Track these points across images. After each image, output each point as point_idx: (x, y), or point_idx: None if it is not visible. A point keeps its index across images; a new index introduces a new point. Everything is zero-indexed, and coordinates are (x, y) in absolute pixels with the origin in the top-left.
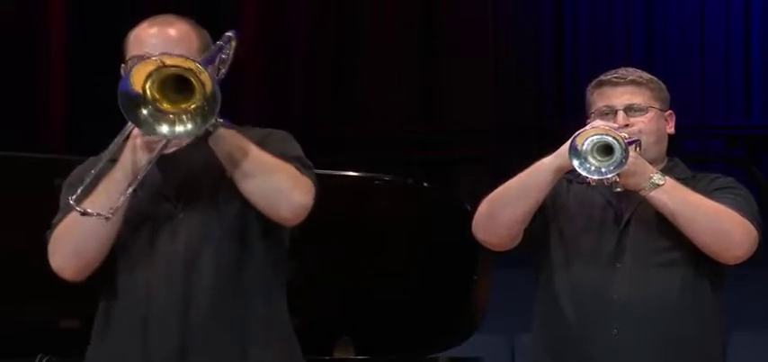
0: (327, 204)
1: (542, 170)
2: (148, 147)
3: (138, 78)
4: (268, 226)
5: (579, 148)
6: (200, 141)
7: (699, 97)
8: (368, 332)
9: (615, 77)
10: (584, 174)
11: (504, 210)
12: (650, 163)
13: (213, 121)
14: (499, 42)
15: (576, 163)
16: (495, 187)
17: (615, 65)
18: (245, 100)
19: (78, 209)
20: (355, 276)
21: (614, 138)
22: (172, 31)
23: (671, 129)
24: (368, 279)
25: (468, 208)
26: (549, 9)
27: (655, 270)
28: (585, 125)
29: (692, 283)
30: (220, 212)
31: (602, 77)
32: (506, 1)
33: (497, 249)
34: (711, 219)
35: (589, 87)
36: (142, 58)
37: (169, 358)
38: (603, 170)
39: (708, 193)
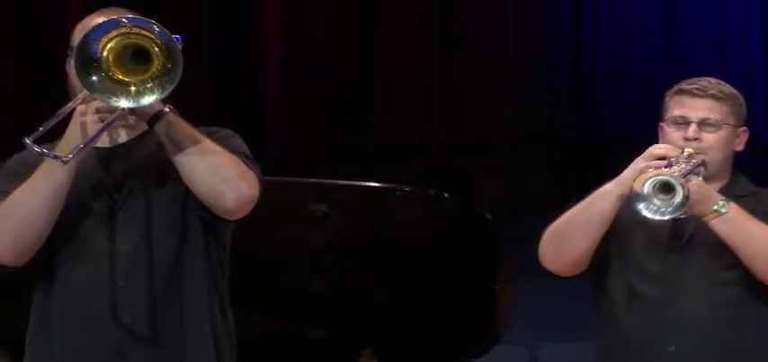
0: (348, 215)
1: (604, 200)
2: (97, 113)
3: (102, 43)
4: (210, 223)
5: (641, 191)
6: (143, 136)
7: None
8: (390, 344)
9: (696, 89)
10: (650, 216)
11: (570, 242)
12: (713, 178)
13: (176, 82)
14: (518, 51)
15: (641, 206)
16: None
17: (633, 76)
18: (265, 111)
19: (36, 149)
20: (377, 287)
21: (675, 180)
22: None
23: (740, 146)
24: (389, 290)
25: (489, 217)
26: (569, 20)
27: (714, 288)
28: (659, 128)
29: (751, 300)
30: (161, 209)
31: (684, 86)
32: (526, 11)
33: (566, 275)
34: None
35: (669, 92)
36: (104, 24)
37: (105, 358)
38: (665, 211)
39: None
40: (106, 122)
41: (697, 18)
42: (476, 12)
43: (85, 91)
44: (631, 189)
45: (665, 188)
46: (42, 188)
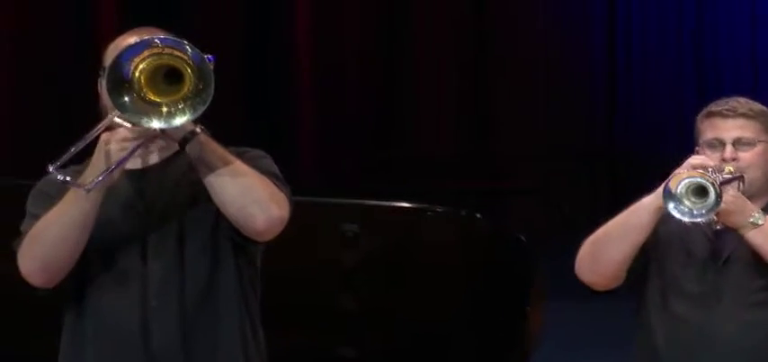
0: (380, 236)
1: (642, 211)
2: (121, 141)
3: (134, 63)
4: (240, 244)
5: (674, 191)
6: (175, 157)
7: None
8: None
9: (725, 110)
10: (678, 216)
11: (606, 251)
12: (754, 195)
13: (208, 103)
14: (551, 70)
15: (670, 205)
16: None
17: (666, 96)
18: (297, 128)
19: (60, 177)
20: (408, 306)
21: (708, 181)
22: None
23: None
24: (420, 310)
25: (522, 238)
26: (601, 39)
27: (751, 309)
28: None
29: None
30: (192, 230)
31: (713, 108)
32: (558, 30)
33: (602, 289)
34: None
35: (699, 116)
36: (136, 45)
37: None
38: (695, 213)
39: None
40: (129, 150)
41: (729, 37)
42: (510, 34)
43: (111, 115)
44: (664, 187)
45: (698, 192)
46: (70, 214)
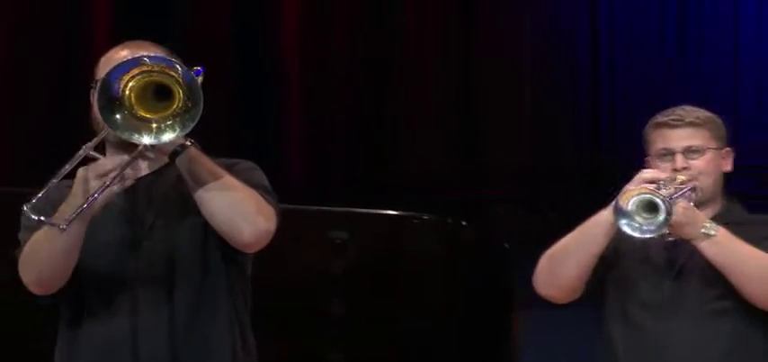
0: (368, 243)
1: (598, 225)
2: (99, 176)
3: (124, 81)
4: (229, 255)
5: (624, 208)
6: (166, 167)
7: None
8: None
9: (673, 120)
10: (629, 232)
11: (563, 265)
12: (705, 202)
13: (197, 120)
14: (536, 83)
15: (622, 222)
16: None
17: (651, 107)
18: (286, 143)
19: (34, 217)
20: (394, 313)
21: (658, 196)
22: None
23: (728, 167)
24: (407, 317)
25: (506, 246)
26: (585, 49)
27: (706, 318)
28: (642, 163)
29: (744, 331)
30: (183, 241)
31: (660, 119)
32: (543, 41)
33: (560, 302)
34: (760, 273)
35: (647, 127)
36: (125, 63)
37: None
38: (646, 229)
39: (757, 240)
40: (107, 182)
41: (713, 49)
42: (497, 48)
43: (84, 148)
44: (615, 205)
45: (649, 207)
46: (57, 240)
